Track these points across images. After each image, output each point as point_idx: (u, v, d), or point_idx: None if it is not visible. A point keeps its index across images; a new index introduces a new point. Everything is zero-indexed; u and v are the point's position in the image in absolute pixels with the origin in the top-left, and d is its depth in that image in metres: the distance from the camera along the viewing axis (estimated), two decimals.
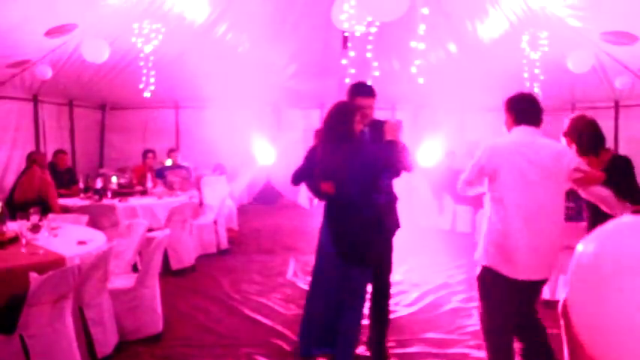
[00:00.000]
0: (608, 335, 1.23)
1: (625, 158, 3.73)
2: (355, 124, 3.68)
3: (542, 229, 3.11)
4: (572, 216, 5.35)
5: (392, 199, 4.00)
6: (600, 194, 3.33)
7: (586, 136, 3.67)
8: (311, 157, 3.87)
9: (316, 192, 3.85)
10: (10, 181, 7.74)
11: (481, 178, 3.30)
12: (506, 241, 3.14)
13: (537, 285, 3.26)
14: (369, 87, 4.01)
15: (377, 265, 3.87)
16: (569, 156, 3.16)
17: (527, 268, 3.12)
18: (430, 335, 4.64)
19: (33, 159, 6.64)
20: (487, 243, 3.25)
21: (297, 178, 3.96)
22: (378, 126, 3.86)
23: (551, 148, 3.18)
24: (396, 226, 4.05)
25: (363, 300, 3.85)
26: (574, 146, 3.69)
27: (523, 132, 3.27)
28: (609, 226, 1.57)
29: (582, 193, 3.35)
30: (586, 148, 3.67)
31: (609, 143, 10.11)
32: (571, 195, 5.42)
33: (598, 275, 1.35)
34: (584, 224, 5.27)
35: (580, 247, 1.58)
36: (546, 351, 3.26)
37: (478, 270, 3.34)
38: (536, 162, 3.12)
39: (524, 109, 3.31)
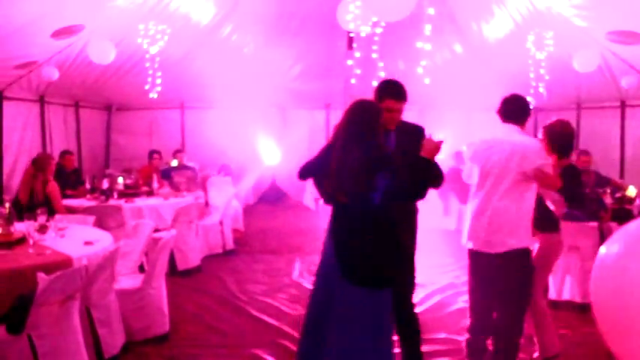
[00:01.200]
0: (633, 336, 1.21)
1: (571, 167, 3.98)
2: (379, 129, 3.25)
3: (494, 213, 3.58)
4: (577, 216, 5.33)
5: (403, 206, 3.49)
6: (553, 197, 3.73)
7: (558, 138, 3.95)
8: (325, 155, 3.33)
9: (322, 192, 3.38)
10: (17, 181, 7.78)
11: (472, 171, 3.79)
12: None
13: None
14: (401, 88, 3.53)
15: (396, 286, 3.29)
16: (529, 158, 3.50)
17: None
18: (436, 335, 4.64)
19: (32, 160, 6.64)
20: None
21: (304, 174, 3.46)
22: (406, 130, 3.54)
23: (513, 147, 3.56)
24: (412, 240, 3.62)
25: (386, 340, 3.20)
26: (545, 142, 3.95)
27: (503, 130, 3.71)
28: (632, 226, 1.56)
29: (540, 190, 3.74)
30: (557, 149, 3.95)
31: (616, 143, 10.06)
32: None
33: (623, 276, 1.33)
34: (591, 225, 5.29)
35: (604, 249, 1.58)
36: None
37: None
38: (497, 158, 3.58)
39: (506, 109, 3.74)
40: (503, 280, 3.64)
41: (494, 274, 3.66)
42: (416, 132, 3.55)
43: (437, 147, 3.21)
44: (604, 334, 1.31)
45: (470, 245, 3.75)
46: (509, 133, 3.67)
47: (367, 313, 3.10)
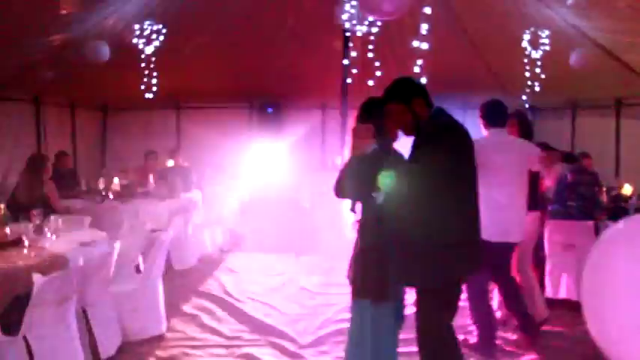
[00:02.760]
0: (620, 334, 1.22)
1: None
2: (383, 121, 2.98)
3: (510, 203, 4.05)
4: (573, 214, 5.35)
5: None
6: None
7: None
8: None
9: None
10: (12, 182, 7.73)
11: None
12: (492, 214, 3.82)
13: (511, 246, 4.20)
14: (386, 89, 3.04)
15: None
16: (531, 148, 4.33)
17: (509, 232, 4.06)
18: None
19: (28, 160, 6.61)
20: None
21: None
22: (430, 132, 2.91)
23: (515, 143, 4.31)
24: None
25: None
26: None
27: (493, 133, 4.19)
28: (621, 225, 1.57)
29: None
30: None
31: (611, 142, 10.04)
32: (573, 194, 5.45)
33: (611, 275, 1.34)
34: (587, 223, 5.30)
35: (593, 248, 1.59)
36: None
37: None
38: (505, 155, 4.07)
39: (491, 115, 4.21)
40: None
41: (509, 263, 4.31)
42: (439, 133, 2.90)
43: (360, 135, 2.79)
44: (592, 332, 1.32)
45: (509, 239, 4.10)
46: (500, 135, 4.19)
47: (352, 323, 3.21)
